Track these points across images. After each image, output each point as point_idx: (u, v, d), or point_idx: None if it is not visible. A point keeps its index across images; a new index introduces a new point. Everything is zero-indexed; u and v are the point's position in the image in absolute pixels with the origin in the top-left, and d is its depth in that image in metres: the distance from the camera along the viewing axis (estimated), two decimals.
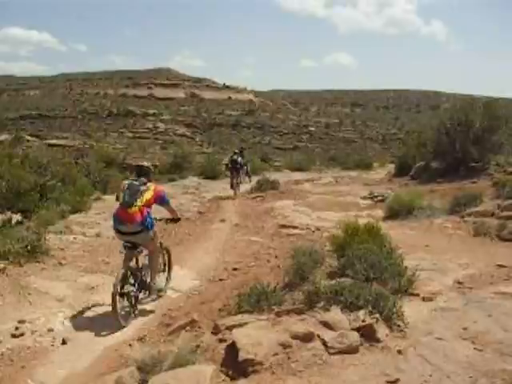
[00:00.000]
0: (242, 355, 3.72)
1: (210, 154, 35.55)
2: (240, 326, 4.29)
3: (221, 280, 7.12)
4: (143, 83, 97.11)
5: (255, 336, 3.95)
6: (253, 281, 6.10)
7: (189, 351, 3.92)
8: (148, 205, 5.86)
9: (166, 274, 6.88)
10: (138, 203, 5.76)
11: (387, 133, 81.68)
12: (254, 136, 78.14)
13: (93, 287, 6.92)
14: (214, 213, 13.61)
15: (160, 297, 6.46)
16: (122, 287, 5.65)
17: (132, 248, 5.93)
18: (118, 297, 5.52)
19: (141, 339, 5.21)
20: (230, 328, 4.34)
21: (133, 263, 6.03)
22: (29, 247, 7.75)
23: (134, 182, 5.90)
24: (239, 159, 18.27)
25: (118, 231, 5.94)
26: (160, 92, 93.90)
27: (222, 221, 11.94)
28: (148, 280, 6.18)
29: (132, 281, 5.88)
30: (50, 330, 5.53)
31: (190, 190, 19.19)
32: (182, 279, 7.31)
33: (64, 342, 5.23)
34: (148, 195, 5.84)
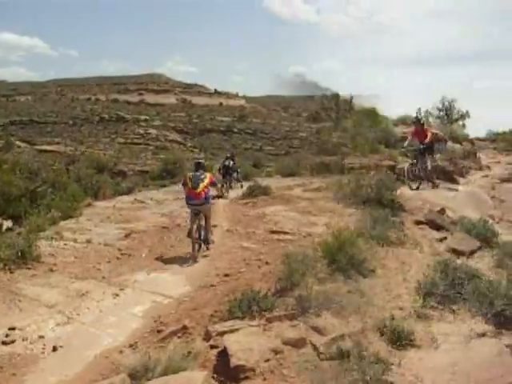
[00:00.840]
0: (234, 361, 3.73)
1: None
2: (231, 332, 4.30)
3: (212, 286, 7.09)
4: (134, 89, 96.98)
5: (246, 342, 3.96)
6: (244, 287, 6.10)
7: (180, 358, 3.93)
8: (206, 187, 8.96)
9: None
10: (201, 186, 8.87)
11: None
12: (246, 142, 78.21)
13: (84, 293, 6.87)
14: None
15: (208, 249, 9.18)
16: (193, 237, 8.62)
17: (197, 214, 9.00)
18: (194, 243, 8.60)
19: (132, 346, 5.19)
20: (221, 334, 4.34)
21: (197, 223, 8.94)
22: (19, 253, 7.71)
23: (196, 173, 9.11)
24: (231, 163, 18.58)
25: (189, 204, 9.07)
26: (151, 98, 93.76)
27: (213, 226, 11.90)
28: (205, 235, 9.23)
29: (197, 235, 8.88)
30: (41, 337, 5.49)
31: (181, 195, 19.05)
32: (174, 285, 7.31)
33: (55, 349, 5.21)
34: (206, 180, 8.99)
